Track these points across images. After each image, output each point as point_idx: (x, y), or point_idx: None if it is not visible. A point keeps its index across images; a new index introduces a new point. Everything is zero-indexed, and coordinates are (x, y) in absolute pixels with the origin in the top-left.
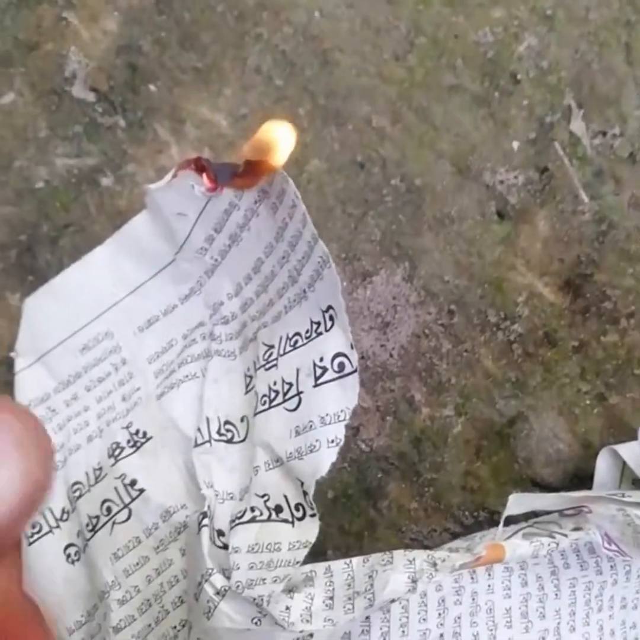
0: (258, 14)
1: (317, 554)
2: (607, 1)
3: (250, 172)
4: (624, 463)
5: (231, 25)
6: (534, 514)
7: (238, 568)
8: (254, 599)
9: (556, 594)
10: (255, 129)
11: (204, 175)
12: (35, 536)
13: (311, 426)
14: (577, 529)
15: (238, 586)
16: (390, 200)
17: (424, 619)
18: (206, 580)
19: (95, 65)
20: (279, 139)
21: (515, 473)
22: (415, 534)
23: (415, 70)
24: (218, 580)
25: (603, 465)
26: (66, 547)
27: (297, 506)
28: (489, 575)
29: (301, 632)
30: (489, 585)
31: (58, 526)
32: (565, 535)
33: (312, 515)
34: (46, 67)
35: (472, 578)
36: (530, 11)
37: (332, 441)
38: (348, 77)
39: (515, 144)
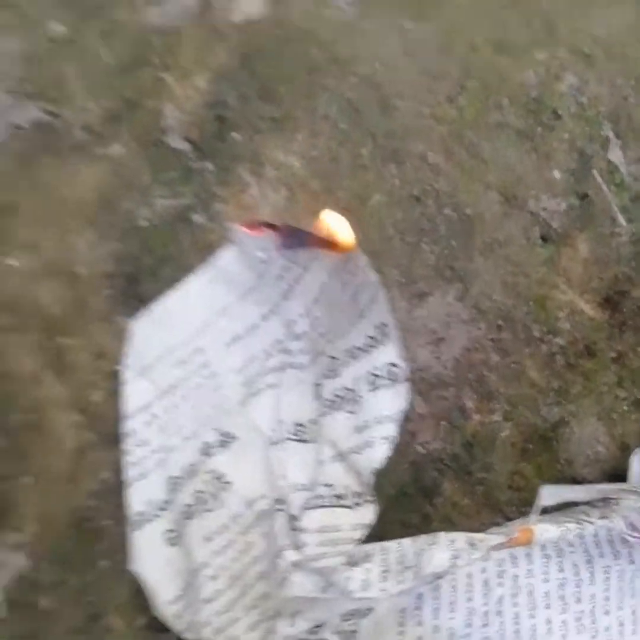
0: (326, 68)
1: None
2: None
3: (323, 246)
4: None
5: (303, 78)
6: (566, 507)
7: (307, 545)
8: (321, 570)
9: (591, 580)
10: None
11: (275, 235)
12: (140, 523)
13: (367, 425)
14: (603, 517)
15: (307, 560)
16: (443, 228)
17: (470, 599)
18: (281, 556)
19: (188, 119)
20: (337, 230)
21: (557, 472)
22: (467, 528)
23: (465, 110)
24: (291, 555)
25: (636, 464)
26: (166, 532)
27: (357, 494)
28: (529, 560)
29: (360, 599)
30: (529, 570)
31: (159, 515)
32: (591, 523)
33: (370, 501)
34: (147, 122)
35: (513, 563)
36: (570, 52)
37: (386, 438)
38: (406, 119)
39: (557, 174)
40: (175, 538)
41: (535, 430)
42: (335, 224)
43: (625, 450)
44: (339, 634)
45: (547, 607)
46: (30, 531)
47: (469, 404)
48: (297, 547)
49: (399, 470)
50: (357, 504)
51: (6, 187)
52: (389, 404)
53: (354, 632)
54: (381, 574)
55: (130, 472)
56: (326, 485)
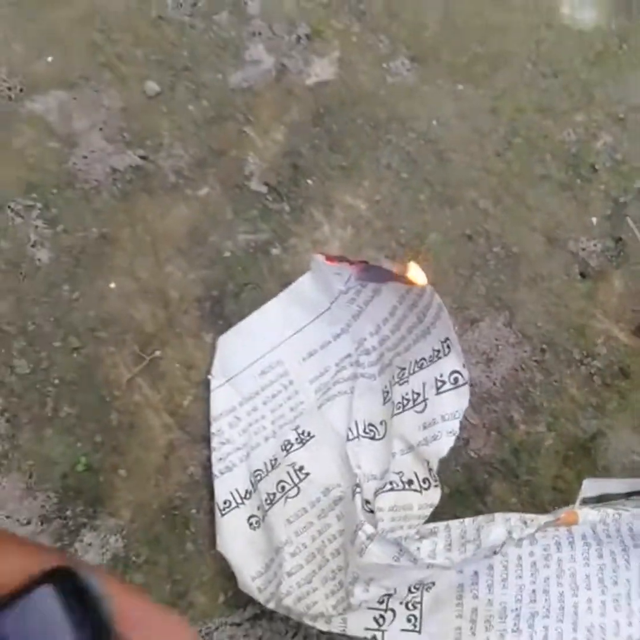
0: (388, 124)
1: None
2: None
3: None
4: None
5: (368, 133)
6: (606, 501)
7: (382, 521)
8: (395, 540)
9: (627, 566)
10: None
11: (352, 268)
12: (226, 510)
13: (434, 422)
14: (637, 507)
15: (383, 531)
16: (492, 263)
17: (519, 576)
18: (360, 529)
19: (267, 166)
20: (416, 278)
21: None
22: None
23: (512, 163)
24: (368, 528)
25: None
26: (249, 518)
27: (424, 480)
28: (572, 547)
29: (428, 567)
30: (572, 556)
31: (243, 503)
32: (627, 510)
33: (436, 486)
34: (231, 168)
35: (557, 548)
36: (605, 115)
37: (450, 432)
38: (459, 170)
39: (594, 219)
40: (257, 522)
41: (576, 440)
42: (412, 272)
43: None
44: (405, 605)
45: (588, 588)
46: (126, 517)
47: (516, 416)
48: (374, 522)
49: (454, 472)
50: (425, 488)
51: (107, 221)
52: (453, 403)
53: (418, 603)
54: (446, 546)
55: (217, 467)
56: (397, 473)
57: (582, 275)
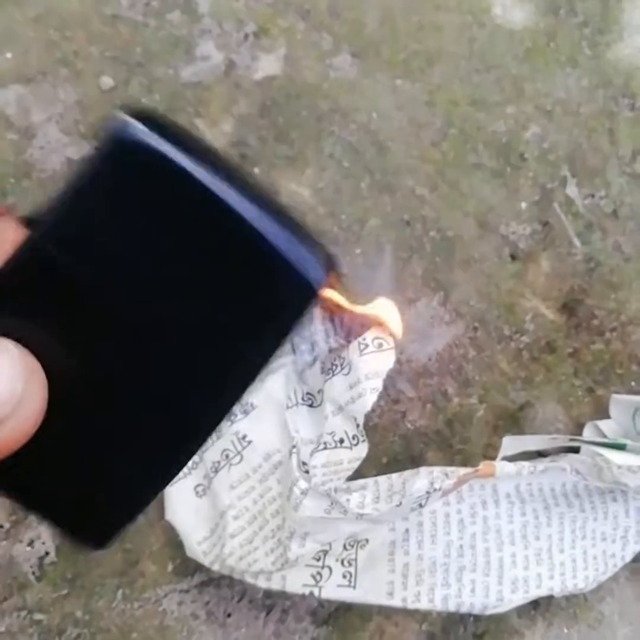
0: (331, 116)
1: None
2: (594, 98)
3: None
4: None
5: (312, 124)
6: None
7: (316, 476)
8: (326, 491)
9: (548, 523)
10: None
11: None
12: (174, 481)
13: (359, 381)
14: (552, 462)
15: (315, 485)
16: (429, 247)
17: (447, 533)
18: (295, 485)
19: None
20: (388, 317)
21: None
22: None
23: (447, 153)
24: (302, 484)
25: (589, 433)
26: (196, 486)
27: (354, 437)
28: (497, 505)
29: (358, 517)
30: (497, 513)
31: (190, 473)
32: (542, 463)
33: (363, 441)
34: None
35: (483, 507)
36: (534, 108)
37: (374, 389)
38: (398, 159)
39: (524, 205)
40: (203, 490)
41: (506, 411)
42: (385, 312)
43: (580, 428)
44: (340, 562)
45: (512, 543)
46: None
47: (450, 390)
48: (308, 479)
49: (392, 443)
50: (354, 445)
51: None
52: (376, 363)
53: (353, 560)
54: (374, 499)
55: None
56: (329, 433)
57: (512, 257)
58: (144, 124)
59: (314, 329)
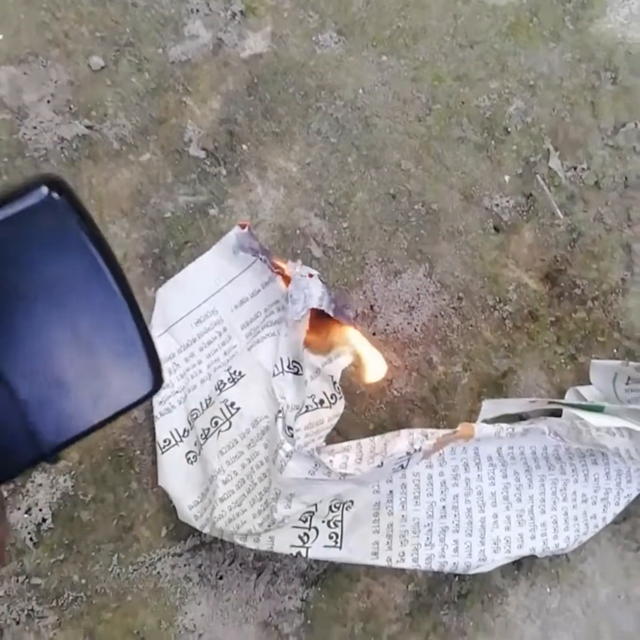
0: (318, 93)
1: None
2: (577, 72)
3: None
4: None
5: (299, 101)
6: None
7: (299, 439)
8: (309, 452)
9: (529, 485)
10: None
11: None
12: (166, 448)
13: None
14: (531, 424)
15: (299, 447)
16: (414, 220)
17: (430, 494)
18: (280, 448)
19: (205, 133)
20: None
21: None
22: None
23: (432, 127)
24: (287, 446)
25: (570, 398)
26: (187, 453)
27: (332, 396)
28: (478, 468)
29: (341, 478)
30: (479, 475)
31: (181, 440)
32: (520, 425)
33: (340, 398)
34: (171, 135)
35: (465, 469)
36: (517, 82)
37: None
38: (383, 134)
39: (507, 178)
40: (194, 457)
41: (489, 378)
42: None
43: (562, 394)
44: (327, 523)
45: (494, 505)
46: (74, 459)
47: (435, 358)
48: (292, 442)
49: (378, 410)
50: (333, 403)
51: None
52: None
53: (339, 521)
54: (356, 460)
55: (157, 409)
56: (310, 396)
57: (496, 229)
58: (59, 193)
59: (307, 284)
